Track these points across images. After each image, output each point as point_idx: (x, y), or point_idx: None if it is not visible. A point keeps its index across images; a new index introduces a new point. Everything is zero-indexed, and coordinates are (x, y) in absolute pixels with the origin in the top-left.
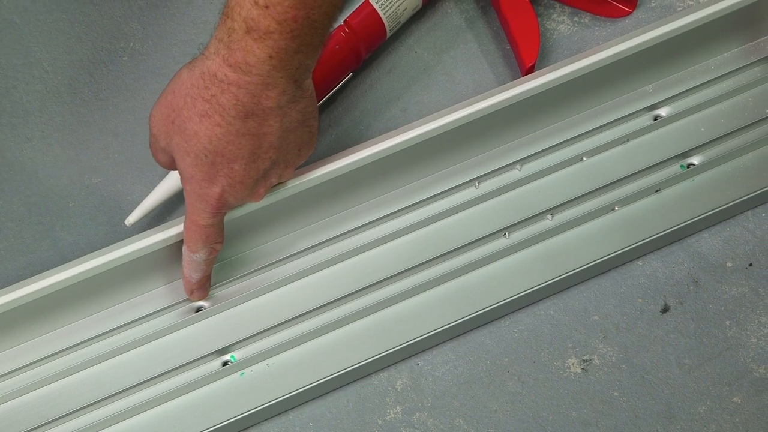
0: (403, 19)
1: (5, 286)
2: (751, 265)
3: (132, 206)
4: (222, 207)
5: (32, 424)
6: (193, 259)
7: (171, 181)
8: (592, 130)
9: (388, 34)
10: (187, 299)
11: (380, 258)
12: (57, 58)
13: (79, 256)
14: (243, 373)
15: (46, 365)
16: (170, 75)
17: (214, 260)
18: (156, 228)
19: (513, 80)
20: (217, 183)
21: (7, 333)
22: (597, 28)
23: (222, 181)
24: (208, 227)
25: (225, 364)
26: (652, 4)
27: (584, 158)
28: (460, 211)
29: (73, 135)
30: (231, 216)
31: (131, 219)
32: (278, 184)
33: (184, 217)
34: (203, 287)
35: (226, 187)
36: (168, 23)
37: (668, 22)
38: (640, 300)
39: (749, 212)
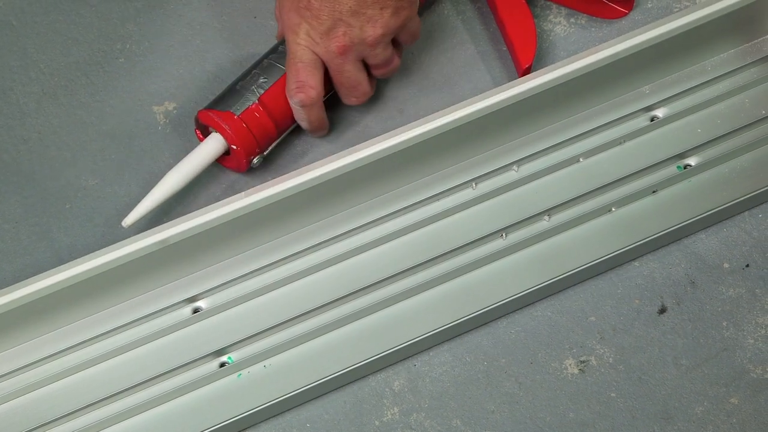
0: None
1: (2, 288)
2: (748, 266)
3: (129, 208)
4: (305, 40)
5: (30, 425)
6: (292, 106)
7: (168, 183)
8: (589, 131)
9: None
10: (184, 300)
11: (377, 259)
12: (53, 60)
13: (76, 258)
14: (240, 375)
15: (44, 366)
16: (167, 77)
17: (315, 108)
18: (152, 229)
19: (510, 81)
20: (300, 13)
21: (4, 334)
22: (594, 29)
23: (303, 12)
24: (297, 64)
25: (222, 365)
26: (649, 5)
27: (581, 159)
28: (457, 212)
29: (70, 136)
30: (231, 216)
31: (128, 221)
32: (367, 42)
33: (180, 218)
34: (315, 133)
35: (306, 17)
36: (164, 25)
37: (665, 23)
38: (637, 301)
39: (746, 213)
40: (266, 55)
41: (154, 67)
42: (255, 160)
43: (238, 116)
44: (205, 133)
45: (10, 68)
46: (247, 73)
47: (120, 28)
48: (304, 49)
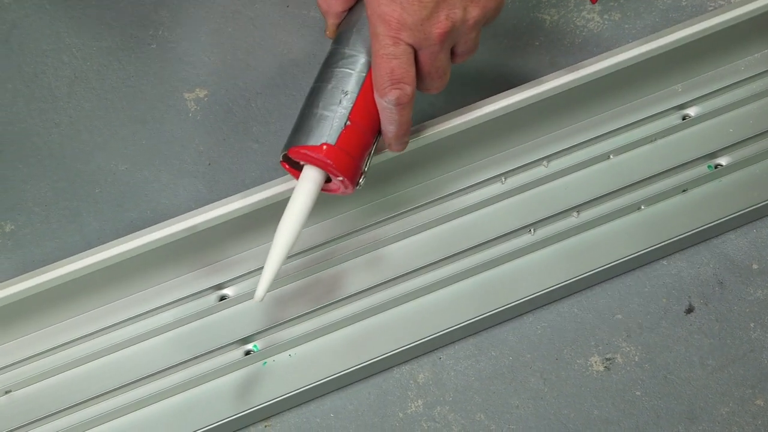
0: None
1: (31, 271)
2: None
3: (157, 193)
4: (402, 29)
5: (54, 408)
6: (384, 106)
7: (284, 237)
8: (620, 128)
9: None
10: (211, 288)
11: (405, 251)
12: (86, 45)
13: (105, 243)
14: (265, 363)
15: (69, 350)
16: (199, 64)
17: (409, 108)
18: (179, 216)
19: (542, 76)
20: (396, 1)
21: (32, 317)
22: (627, 26)
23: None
24: (391, 58)
25: (248, 353)
26: (683, 3)
27: (611, 156)
28: (486, 206)
29: (101, 121)
30: (259, 205)
31: (258, 294)
32: (468, 24)
33: (208, 206)
34: (399, 140)
35: (404, 3)
36: (197, 12)
37: (699, 22)
38: (664, 300)
39: None
40: (331, 63)
41: (186, 54)
42: (361, 181)
43: (335, 145)
44: (295, 165)
45: (42, 52)
46: (318, 90)
47: (153, 14)
48: (398, 41)
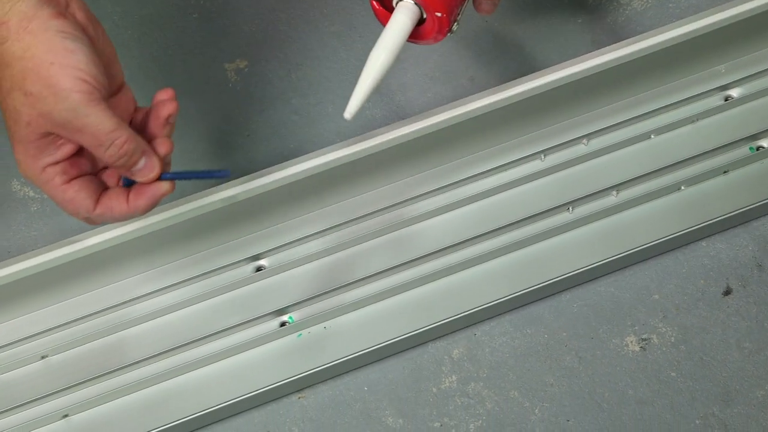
0: None
1: (70, 237)
2: None
3: (197, 164)
4: None
5: (89, 375)
6: None
7: (377, 64)
8: (662, 107)
9: None
10: (248, 258)
11: (442, 226)
12: (128, 13)
13: (153, 213)
14: (300, 335)
15: (106, 317)
16: (240, 34)
17: None
18: (218, 186)
19: (583, 54)
20: None
21: (68, 284)
22: (671, 5)
23: None
24: None
25: (283, 324)
26: None
27: (652, 136)
28: (525, 183)
29: (141, 90)
30: (298, 177)
31: (350, 112)
32: None
33: (246, 176)
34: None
35: None
36: None
37: (745, 2)
38: (702, 281)
39: None
40: None
41: (227, 24)
42: (454, 27)
43: None
44: (386, 5)
45: None
46: None
47: None
48: None
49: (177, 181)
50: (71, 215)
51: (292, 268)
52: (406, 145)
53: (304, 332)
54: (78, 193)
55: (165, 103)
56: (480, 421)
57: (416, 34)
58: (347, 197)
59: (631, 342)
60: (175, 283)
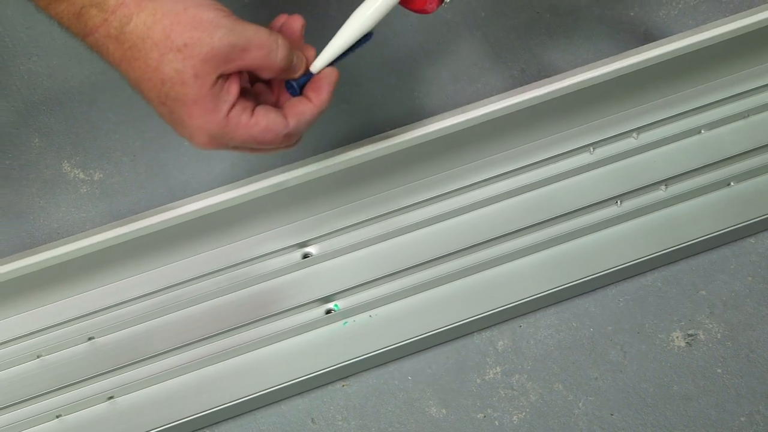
0: None
1: (118, 219)
2: None
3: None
4: None
5: (135, 357)
6: None
7: (354, 23)
8: (713, 102)
9: None
10: (295, 245)
11: (491, 217)
12: None
13: (191, 195)
14: (346, 323)
15: (152, 300)
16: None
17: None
18: (267, 172)
19: (635, 47)
20: None
21: (117, 266)
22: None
23: None
24: None
25: (329, 312)
26: None
27: (702, 131)
28: (573, 175)
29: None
30: (343, 165)
31: (316, 66)
32: None
33: (296, 162)
34: None
35: None
36: None
37: None
38: (750, 278)
39: None
40: None
41: (277, 11)
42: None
43: None
44: None
45: None
46: None
47: None
48: None
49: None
50: (272, 144)
51: (339, 256)
52: (455, 136)
53: (350, 320)
54: (267, 117)
55: (291, 19)
56: (523, 413)
57: (410, 1)
58: (393, 187)
59: (677, 337)
60: (223, 267)
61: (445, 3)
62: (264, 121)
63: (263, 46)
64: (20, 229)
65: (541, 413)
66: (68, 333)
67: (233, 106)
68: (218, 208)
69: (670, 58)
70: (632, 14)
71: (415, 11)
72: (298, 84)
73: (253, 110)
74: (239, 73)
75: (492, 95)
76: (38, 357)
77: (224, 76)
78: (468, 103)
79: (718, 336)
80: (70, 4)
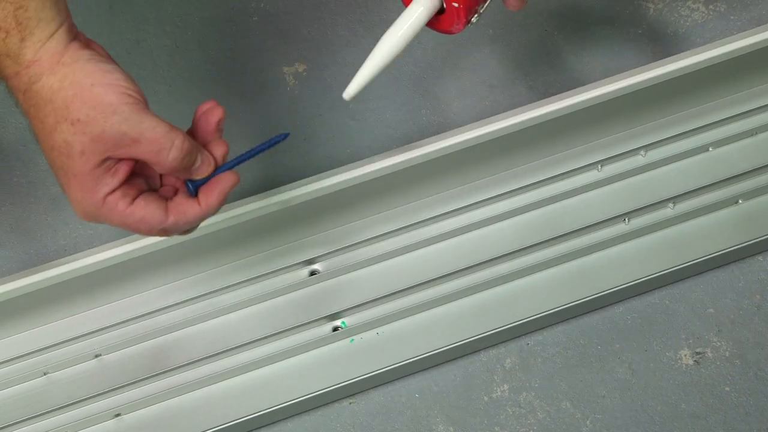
0: None
1: (126, 236)
2: None
3: (252, 166)
4: None
5: (141, 375)
6: None
7: (384, 48)
8: (721, 120)
9: None
10: (302, 262)
11: (498, 234)
12: (188, 14)
13: None
14: (353, 340)
15: (158, 318)
16: (299, 38)
17: None
18: (274, 189)
19: (643, 65)
20: None
21: (124, 283)
22: (733, 17)
23: None
24: None
25: (335, 329)
26: None
27: (710, 148)
28: (581, 193)
29: (199, 91)
30: (350, 182)
31: (349, 92)
32: None
33: (302, 180)
34: None
35: None
36: None
37: None
38: (758, 296)
39: None
40: None
41: (287, 28)
42: (474, 19)
43: None
44: None
45: (145, 19)
46: None
47: None
48: None
49: (243, 177)
50: (146, 234)
51: (346, 273)
52: (462, 153)
53: (357, 337)
54: (146, 209)
55: (211, 110)
56: (531, 431)
57: (436, 22)
58: (399, 204)
59: (685, 355)
60: (228, 285)
61: (472, 23)
62: (141, 212)
63: (155, 143)
64: (28, 246)
65: (549, 431)
66: (75, 350)
67: (113, 191)
68: (226, 225)
69: (678, 75)
70: (640, 32)
71: (443, 32)
72: (194, 184)
73: (134, 199)
74: (132, 159)
75: (500, 112)
76: (45, 374)
77: (113, 160)
78: (476, 120)
79: (726, 354)
80: None
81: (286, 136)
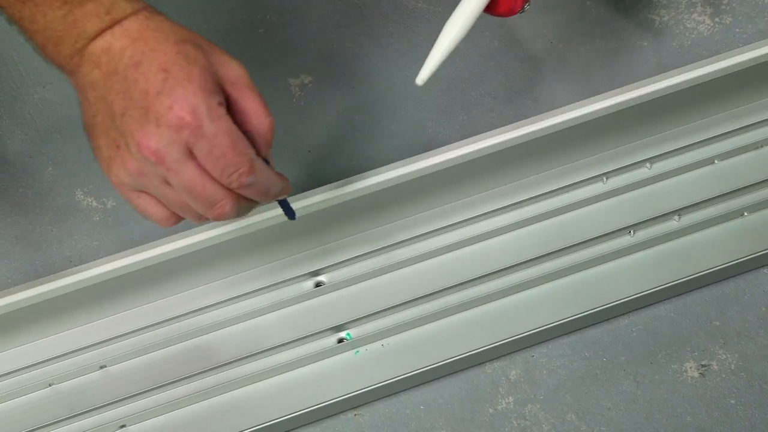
0: None
1: (131, 247)
2: None
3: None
4: None
5: (146, 386)
6: None
7: (453, 30)
8: (726, 133)
9: None
10: (307, 274)
11: (502, 247)
12: (194, 26)
13: (214, 226)
14: (358, 352)
15: (164, 329)
16: (305, 50)
17: None
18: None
19: (648, 77)
20: None
21: (129, 294)
22: (738, 30)
23: None
24: None
25: (340, 341)
26: None
27: (716, 161)
28: (586, 205)
29: None
30: (356, 194)
31: (422, 77)
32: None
33: (306, 192)
34: None
35: None
36: None
37: None
38: (764, 308)
39: None
40: None
41: (293, 40)
42: (527, 6)
43: None
44: None
45: None
46: None
47: None
48: None
49: None
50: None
51: (352, 284)
52: (467, 165)
53: (362, 349)
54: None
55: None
56: None
57: (494, 7)
58: (404, 216)
59: (691, 368)
60: (233, 297)
61: (524, 10)
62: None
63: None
64: (33, 257)
65: None
66: (80, 361)
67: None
68: (230, 236)
69: (684, 88)
70: (645, 44)
71: (500, 15)
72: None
73: None
74: None
75: (505, 125)
76: (50, 385)
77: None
78: (481, 133)
79: (732, 367)
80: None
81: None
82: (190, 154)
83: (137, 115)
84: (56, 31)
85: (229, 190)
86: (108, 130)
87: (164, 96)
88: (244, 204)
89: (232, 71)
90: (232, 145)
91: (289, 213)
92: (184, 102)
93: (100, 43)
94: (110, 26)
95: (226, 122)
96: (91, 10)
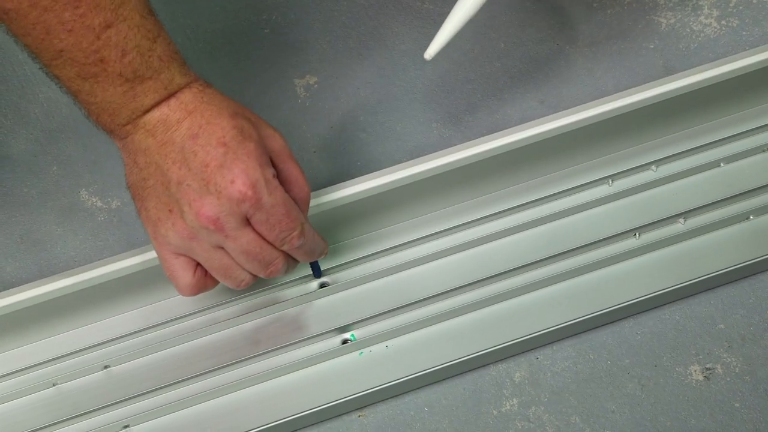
0: None
1: (136, 248)
2: None
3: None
4: None
5: (150, 386)
6: None
7: (464, 7)
8: (733, 136)
9: None
10: (310, 275)
11: (507, 249)
12: (200, 26)
13: None
14: (362, 353)
15: (166, 329)
16: (310, 51)
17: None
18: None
19: (655, 80)
20: None
21: (133, 294)
22: (744, 32)
23: None
24: None
25: (345, 342)
26: None
27: (722, 164)
28: (592, 207)
29: None
30: (360, 195)
31: (430, 52)
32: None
33: (317, 191)
34: None
35: None
36: None
37: None
38: None
39: None
40: None
41: (298, 40)
42: None
43: None
44: None
45: None
46: None
47: None
48: None
49: None
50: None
51: (356, 285)
52: (472, 167)
53: (366, 350)
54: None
55: None
56: None
57: None
58: (409, 218)
59: (695, 371)
60: (239, 296)
61: None
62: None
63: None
64: (38, 256)
65: None
66: (84, 361)
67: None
68: None
69: (690, 90)
70: (652, 47)
71: None
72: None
73: None
74: None
75: (510, 126)
76: (54, 385)
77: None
78: (487, 134)
79: (737, 370)
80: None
81: (319, 275)
82: (247, 221)
83: (196, 186)
84: (114, 104)
85: (281, 251)
86: (160, 195)
87: (226, 170)
88: (291, 263)
89: (277, 143)
90: (287, 213)
91: (317, 272)
92: (245, 177)
93: (156, 114)
94: (166, 99)
95: (281, 193)
96: (150, 86)
